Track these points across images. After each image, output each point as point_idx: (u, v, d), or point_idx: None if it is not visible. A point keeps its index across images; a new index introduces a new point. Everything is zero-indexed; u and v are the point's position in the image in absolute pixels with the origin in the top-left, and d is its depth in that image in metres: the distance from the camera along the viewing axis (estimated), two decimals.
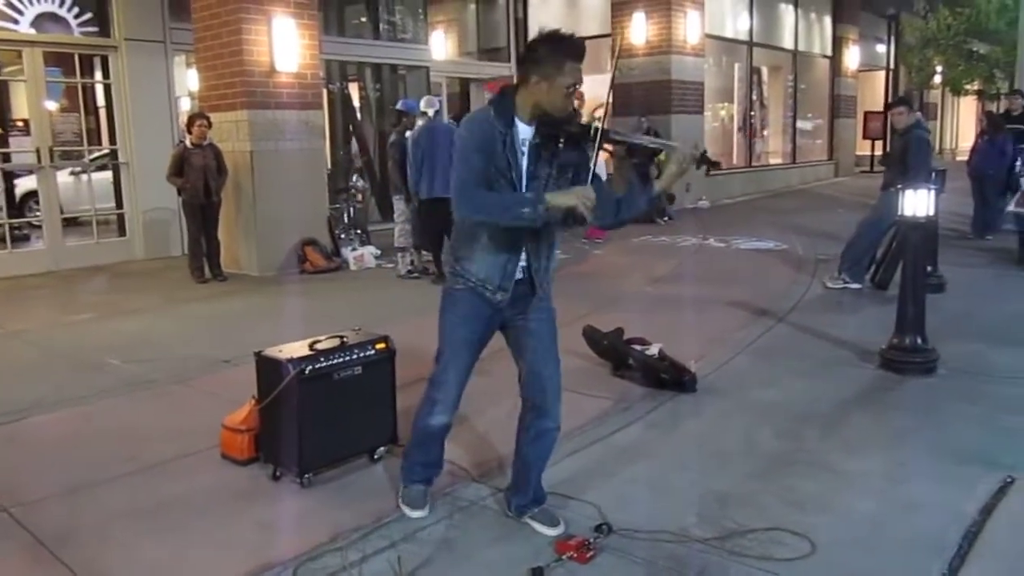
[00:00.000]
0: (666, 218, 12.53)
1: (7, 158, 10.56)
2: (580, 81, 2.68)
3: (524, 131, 2.76)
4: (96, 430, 4.32)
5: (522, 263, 2.87)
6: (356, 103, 13.28)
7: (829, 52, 20.19)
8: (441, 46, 14.74)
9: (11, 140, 11.37)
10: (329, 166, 11.17)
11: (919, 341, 4.94)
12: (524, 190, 2.76)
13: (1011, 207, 8.73)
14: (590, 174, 2.73)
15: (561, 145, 2.75)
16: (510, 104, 2.76)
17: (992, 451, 3.70)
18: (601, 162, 10.57)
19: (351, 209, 10.38)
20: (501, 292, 2.85)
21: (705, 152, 2.80)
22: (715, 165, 2.93)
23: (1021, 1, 13.13)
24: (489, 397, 4.14)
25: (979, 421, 4.13)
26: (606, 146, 2.74)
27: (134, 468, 3.74)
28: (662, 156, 2.85)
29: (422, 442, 3.17)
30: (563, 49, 2.66)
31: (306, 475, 3.48)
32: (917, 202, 4.93)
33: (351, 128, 13.01)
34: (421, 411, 3.11)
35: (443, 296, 2.99)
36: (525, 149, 2.76)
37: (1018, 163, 9.15)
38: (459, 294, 2.91)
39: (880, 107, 22.50)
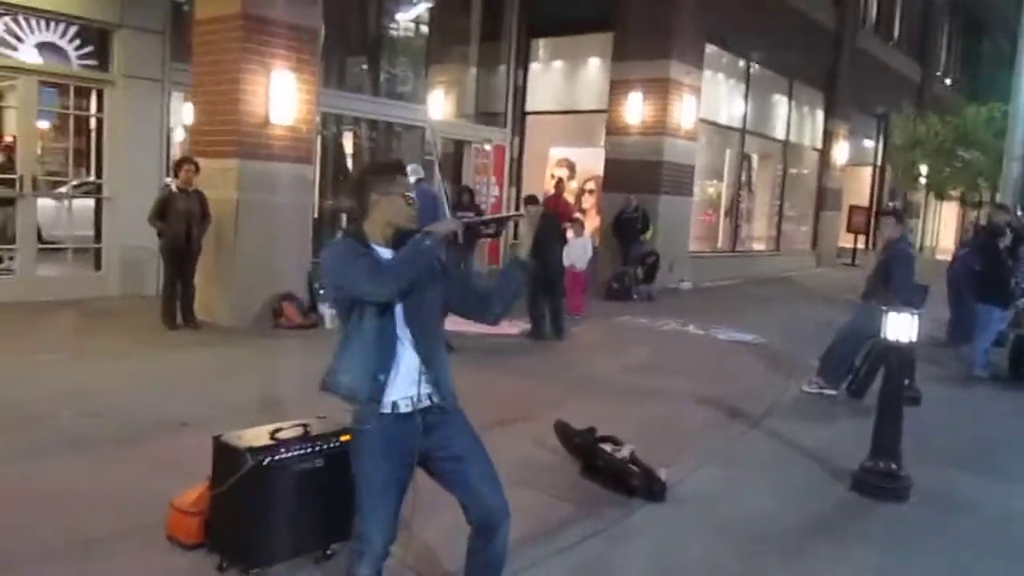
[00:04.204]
0: (645, 297, 12.58)
1: None
2: (409, 189, 2.86)
3: (383, 253, 2.79)
4: (35, 494, 4.09)
5: (423, 384, 2.77)
6: (348, 154, 13.31)
7: (819, 145, 20.58)
8: (439, 106, 14.85)
9: None
10: (315, 215, 11.13)
11: (893, 467, 4.87)
12: (400, 305, 2.74)
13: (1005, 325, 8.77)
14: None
15: None
16: (361, 233, 2.83)
17: None
18: (587, 237, 10.67)
19: None
20: (372, 404, 2.73)
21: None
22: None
23: (1009, 115, 13.42)
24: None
25: (945, 557, 4.09)
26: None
27: (70, 543, 3.57)
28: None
29: None
30: (389, 167, 2.95)
31: (254, 570, 3.33)
32: (900, 325, 4.91)
33: (341, 179, 13.00)
34: (349, 558, 2.90)
35: (353, 439, 2.87)
36: None
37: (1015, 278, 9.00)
38: (367, 433, 2.78)
39: (865, 201, 22.92)
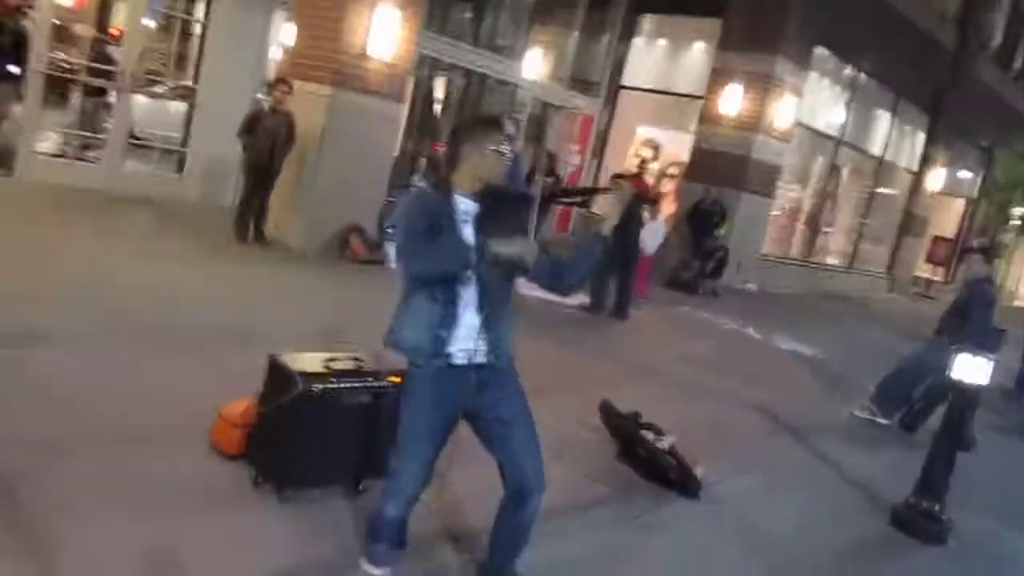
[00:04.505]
0: (710, 292, 12.39)
1: (92, 72, 10.60)
2: (503, 145, 2.82)
3: (465, 203, 2.80)
4: (91, 380, 4.19)
5: (480, 341, 2.77)
6: (437, 98, 13.27)
7: (915, 168, 19.84)
8: (535, 66, 14.68)
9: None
10: (396, 153, 11.16)
11: (936, 508, 4.74)
12: (472, 255, 2.71)
13: None
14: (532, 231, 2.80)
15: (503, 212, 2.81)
16: (447, 181, 2.84)
17: None
18: (661, 222, 10.48)
19: None
20: (437, 360, 2.74)
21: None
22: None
23: None
24: None
25: None
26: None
27: (118, 434, 3.67)
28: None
29: (375, 526, 2.93)
30: (485, 120, 3.00)
31: (287, 490, 3.39)
32: (972, 369, 4.73)
33: (428, 123, 12.99)
34: (381, 496, 2.94)
35: (405, 382, 2.88)
36: (469, 219, 2.79)
37: None
38: (420, 380, 2.80)
39: (951, 234, 22.11)
